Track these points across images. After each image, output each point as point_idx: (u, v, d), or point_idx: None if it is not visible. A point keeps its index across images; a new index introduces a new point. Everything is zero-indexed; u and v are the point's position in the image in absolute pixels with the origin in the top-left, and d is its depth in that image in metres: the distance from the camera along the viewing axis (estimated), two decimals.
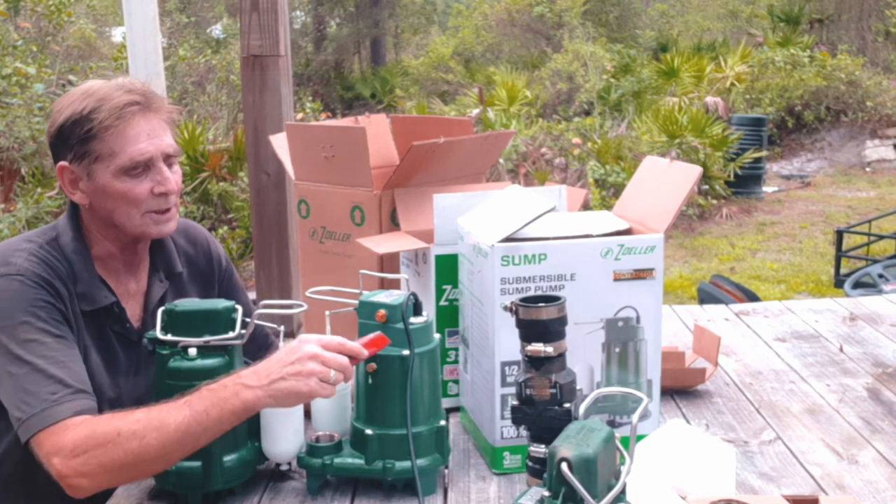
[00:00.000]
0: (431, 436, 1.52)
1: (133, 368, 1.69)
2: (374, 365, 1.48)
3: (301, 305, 1.62)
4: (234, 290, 1.89)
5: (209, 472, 1.49)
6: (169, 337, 1.51)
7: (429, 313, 1.56)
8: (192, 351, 1.49)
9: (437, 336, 1.56)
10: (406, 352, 1.47)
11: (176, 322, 1.52)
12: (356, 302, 1.55)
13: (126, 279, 1.71)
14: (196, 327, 1.51)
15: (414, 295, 1.52)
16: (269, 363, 1.42)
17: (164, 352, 1.51)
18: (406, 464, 1.48)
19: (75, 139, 1.59)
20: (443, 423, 1.54)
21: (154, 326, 1.65)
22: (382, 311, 1.48)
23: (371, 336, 1.47)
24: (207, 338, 1.51)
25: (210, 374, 1.49)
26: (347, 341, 1.45)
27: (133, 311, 1.71)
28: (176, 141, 1.68)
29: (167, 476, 1.49)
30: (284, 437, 1.54)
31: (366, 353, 1.44)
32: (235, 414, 1.41)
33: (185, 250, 1.82)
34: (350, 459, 1.52)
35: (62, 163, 1.62)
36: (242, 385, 1.41)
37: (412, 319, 1.50)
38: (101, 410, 1.58)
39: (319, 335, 1.45)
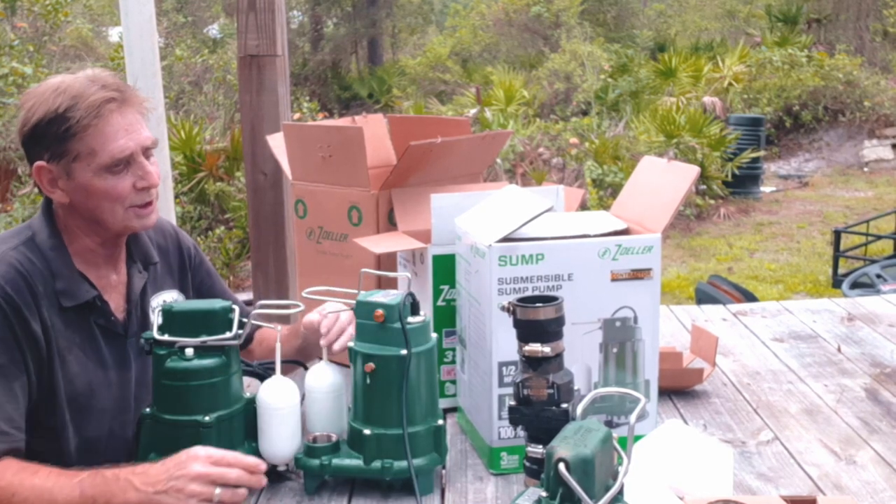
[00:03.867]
0: (429, 435, 1.52)
1: (120, 362, 1.67)
2: (371, 364, 1.49)
3: (298, 305, 1.62)
4: (207, 277, 1.90)
5: None
6: (166, 337, 1.51)
7: (426, 313, 1.56)
8: (189, 351, 1.49)
9: (434, 336, 1.56)
10: (404, 351, 1.48)
11: (173, 322, 1.52)
12: (353, 302, 1.55)
13: (106, 272, 1.68)
14: (193, 327, 1.51)
15: (412, 294, 1.52)
16: (161, 469, 1.43)
17: (161, 352, 1.51)
18: (404, 463, 1.48)
19: (52, 138, 1.56)
20: (440, 422, 1.54)
21: (138, 318, 1.67)
22: (380, 311, 1.48)
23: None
24: (204, 338, 1.50)
25: (207, 374, 1.49)
26: (243, 457, 1.46)
27: (116, 304, 1.68)
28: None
29: None
30: (281, 439, 1.54)
31: (263, 466, 1.46)
32: None
33: (156, 242, 1.80)
34: (348, 460, 1.51)
35: (39, 162, 1.59)
36: (131, 484, 1.42)
37: (410, 319, 1.50)
38: (103, 407, 1.59)
39: (212, 450, 1.44)
